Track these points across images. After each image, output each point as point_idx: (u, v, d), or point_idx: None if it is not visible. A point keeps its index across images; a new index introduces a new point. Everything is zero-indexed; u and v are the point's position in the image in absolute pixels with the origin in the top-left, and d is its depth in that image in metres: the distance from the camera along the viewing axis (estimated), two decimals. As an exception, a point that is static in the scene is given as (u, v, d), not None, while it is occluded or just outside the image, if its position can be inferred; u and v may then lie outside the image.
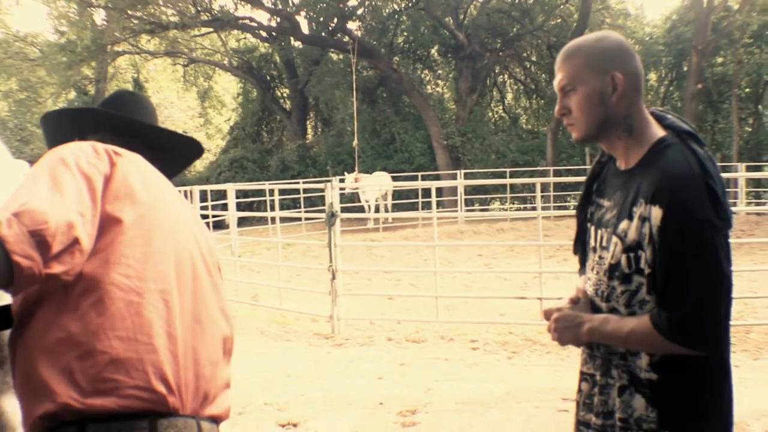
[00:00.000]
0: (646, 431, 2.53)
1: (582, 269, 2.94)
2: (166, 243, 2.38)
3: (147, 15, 31.81)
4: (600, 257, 2.67)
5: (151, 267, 2.30)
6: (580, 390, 2.80)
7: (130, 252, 2.27)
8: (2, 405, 2.89)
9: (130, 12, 30.62)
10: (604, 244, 2.65)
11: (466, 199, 28.17)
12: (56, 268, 2.07)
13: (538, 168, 30.87)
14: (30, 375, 2.18)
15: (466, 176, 29.38)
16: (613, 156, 2.76)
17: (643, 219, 2.43)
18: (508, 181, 14.17)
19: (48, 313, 2.19)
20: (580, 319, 2.66)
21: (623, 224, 2.52)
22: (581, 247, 2.95)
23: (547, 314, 2.80)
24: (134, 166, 2.43)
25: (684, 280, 2.38)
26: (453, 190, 28.15)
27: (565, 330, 2.70)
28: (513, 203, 31.18)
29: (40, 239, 2.01)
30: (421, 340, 9.98)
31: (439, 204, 29.10)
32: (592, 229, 2.78)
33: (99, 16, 32.80)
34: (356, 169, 26.80)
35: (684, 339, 2.41)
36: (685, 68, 34.79)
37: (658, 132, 2.60)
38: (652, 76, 38.53)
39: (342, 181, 24.77)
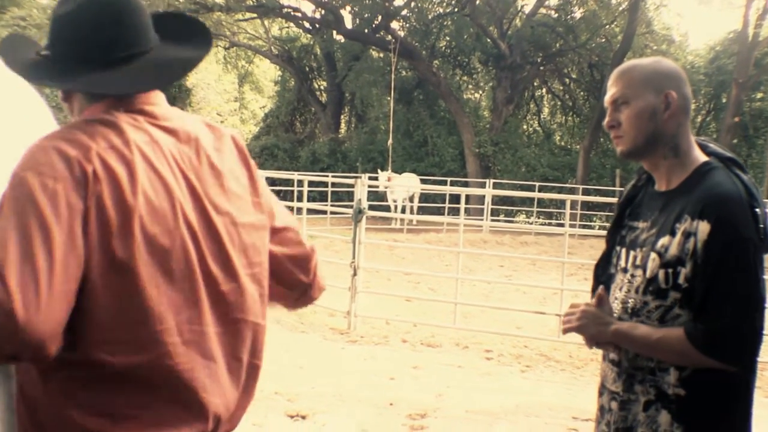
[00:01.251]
0: None
1: (595, 290, 2.92)
2: (160, 292, 2.12)
3: (193, -4, 31.97)
4: (632, 275, 2.69)
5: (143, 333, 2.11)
6: (610, 409, 2.78)
7: (116, 321, 2.06)
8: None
9: (177, -7, 30.72)
10: (637, 263, 2.67)
11: (492, 209, 28.12)
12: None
13: (567, 185, 30.77)
14: None
15: (495, 186, 29.29)
16: (652, 178, 2.79)
17: (688, 234, 2.48)
18: (536, 194, 14.17)
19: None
20: (608, 320, 2.69)
21: (663, 240, 2.56)
22: (603, 269, 2.96)
23: (574, 306, 2.82)
24: (111, 190, 2.02)
25: (724, 294, 2.43)
26: (480, 199, 28.11)
27: (590, 325, 2.72)
28: (539, 217, 31.06)
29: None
30: (436, 344, 9.96)
31: (465, 211, 29.08)
32: (623, 251, 2.80)
33: (145, -7, 32.96)
34: (389, 168, 26.78)
35: (718, 353, 2.45)
36: (724, 100, 34.59)
37: (702, 156, 2.66)
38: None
39: (373, 178, 24.74)
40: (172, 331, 2.13)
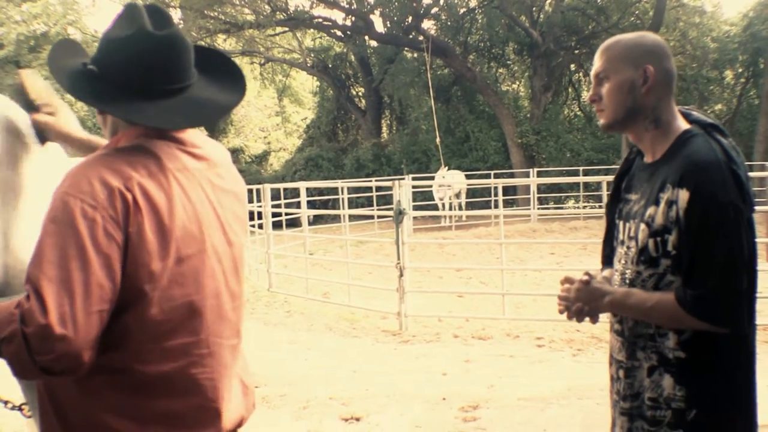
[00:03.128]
0: (675, 410, 2.64)
1: (605, 265, 3.05)
2: (192, 309, 2.34)
3: (223, 15, 32.22)
4: (627, 247, 2.79)
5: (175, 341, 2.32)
6: (618, 377, 2.87)
7: (153, 333, 2.26)
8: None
9: (206, 12, 30.99)
10: (631, 234, 2.76)
11: (540, 198, 28.05)
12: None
13: (613, 166, 30.53)
14: None
15: (540, 174, 29.20)
16: (641, 151, 2.88)
17: (670, 203, 2.55)
18: (581, 179, 14.07)
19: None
20: (601, 291, 2.77)
21: (650, 210, 2.64)
22: (609, 243, 3.04)
23: (568, 281, 2.91)
24: (151, 217, 2.21)
25: (708, 258, 2.50)
26: (527, 189, 28.04)
27: (584, 305, 2.80)
28: (587, 201, 30.88)
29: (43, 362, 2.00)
30: (487, 337, 10.01)
31: (513, 202, 29.03)
32: (621, 224, 2.89)
33: (175, 16, 33.30)
34: (443, 165, 26.82)
35: (707, 315, 2.52)
36: (762, 66, 34.15)
37: (684, 125, 2.74)
38: (728, 74, 37.85)
39: (421, 179, 24.75)
40: (202, 343, 2.35)
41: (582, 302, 2.80)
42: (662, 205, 2.59)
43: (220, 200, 2.48)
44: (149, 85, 2.33)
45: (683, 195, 2.51)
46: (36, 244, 2.08)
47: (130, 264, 2.15)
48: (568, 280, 2.91)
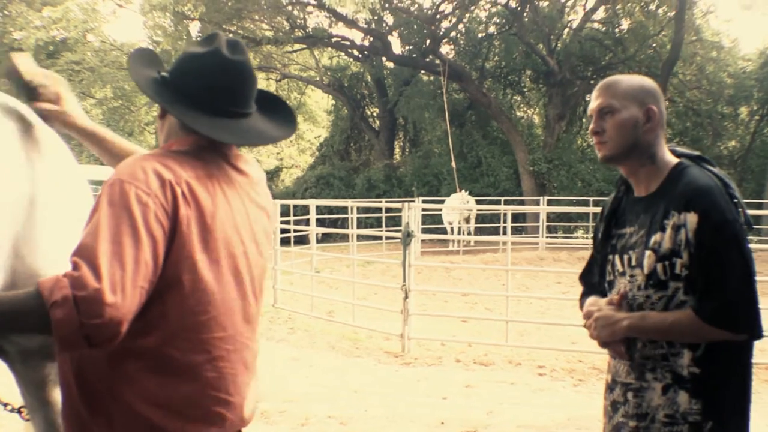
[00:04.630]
0: (692, 423, 2.76)
1: (586, 297, 3.17)
2: (225, 306, 2.50)
3: (242, 29, 32.40)
4: (631, 276, 2.91)
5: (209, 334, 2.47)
6: (626, 401, 2.96)
7: (188, 322, 2.41)
8: (56, 396, 3.04)
9: (225, 26, 31.16)
10: (633, 263, 2.89)
11: (549, 227, 28.03)
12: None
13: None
14: None
15: (551, 203, 29.22)
16: (630, 188, 3.05)
17: (677, 228, 2.73)
18: (591, 209, 14.09)
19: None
20: (618, 317, 2.88)
21: (655, 237, 2.79)
22: (600, 277, 3.15)
23: (588, 315, 3.01)
24: (197, 213, 2.39)
25: (724, 270, 2.66)
26: (536, 216, 28.04)
27: (603, 328, 2.91)
28: (597, 232, 30.74)
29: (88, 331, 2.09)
30: (489, 363, 10.01)
31: (522, 230, 29.01)
32: (617, 258, 3.01)
33: (194, 29, 33.50)
34: (458, 189, 26.85)
35: (728, 324, 2.68)
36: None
37: (673, 159, 2.95)
38: (743, 111, 37.86)
39: (431, 201, 24.80)
40: (230, 339, 2.52)
41: (600, 328, 2.92)
42: (668, 230, 2.74)
43: (255, 214, 2.67)
44: (213, 102, 2.56)
45: (691, 218, 2.69)
46: (90, 224, 2.24)
47: (175, 251, 2.32)
48: (590, 313, 3.01)
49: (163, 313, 2.35)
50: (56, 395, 3.00)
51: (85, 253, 2.14)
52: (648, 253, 2.80)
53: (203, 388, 2.46)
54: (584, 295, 3.21)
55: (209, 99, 2.54)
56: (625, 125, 2.87)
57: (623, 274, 2.95)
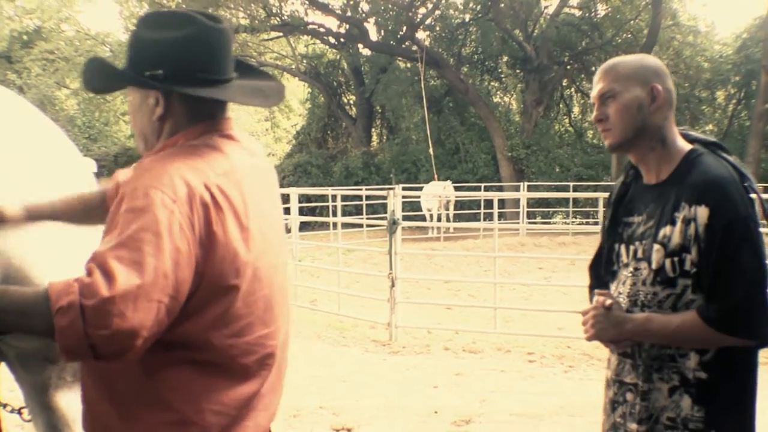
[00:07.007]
0: (692, 430, 2.63)
1: (595, 288, 2.99)
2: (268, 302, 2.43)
3: (218, 18, 32.23)
4: (635, 269, 2.75)
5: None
6: (625, 401, 2.82)
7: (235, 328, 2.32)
8: (57, 401, 2.98)
9: (201, 14, 30.96)
10: (639, 256, 2.73)
11: (528, 212, 28.06)
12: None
13: (602, 183, 30.61)
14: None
15: (530, 189, 29.26)
16: (639, 174, 2.89)
17: (688, 221, 2.55)
18: (570, 194, 14.10)
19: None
20: (623, 319, 2.71)
21: (665, 230, 2.63)
22: (605, 267, 2.99)
23: (586, 312, 2.86)
24: (231, 214, 2.26)
25: (732, 272, 2.50)
26: (516, 202, 28.05)
27: (606, 329, 2.73)
28: (576, 217, 30.91)
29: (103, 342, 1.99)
30: (478, 350, 9.99)
31: (501, 216, 28.98)
32: (622, 247, 2.85)
33: (171, 17, 33.25)
34: (435, 176, 26.86)
35: (737, 330, 2.52)
36: (754, 87, 34.32)
37: (686, 145, 2.76)
38: (720, 95, 38.16)
39: (411, 188, 24.84)
40: (272, 335, 2.44)
41: (603, 328, 2.74)
42: (679, 224, 2.58)
43: (271, 195, 2.57)
44: (211, 75, 2.40)
45: (702, 212, 2.52)
46: (109, 229, 2.11)
47: (218, 262, 2.20)
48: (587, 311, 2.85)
49: (212, 324, 2.25)
50: (58, 400, 2.95)
51: (100, 260, 2.01)
52: (656, 246, 2.64)
53: (254, 386, 2.39)
54: (592, 287, 3.08)
55: (208, 76, 2.38)
56: (630, 108, 2.70)
57: (627, 265, 2.80)
